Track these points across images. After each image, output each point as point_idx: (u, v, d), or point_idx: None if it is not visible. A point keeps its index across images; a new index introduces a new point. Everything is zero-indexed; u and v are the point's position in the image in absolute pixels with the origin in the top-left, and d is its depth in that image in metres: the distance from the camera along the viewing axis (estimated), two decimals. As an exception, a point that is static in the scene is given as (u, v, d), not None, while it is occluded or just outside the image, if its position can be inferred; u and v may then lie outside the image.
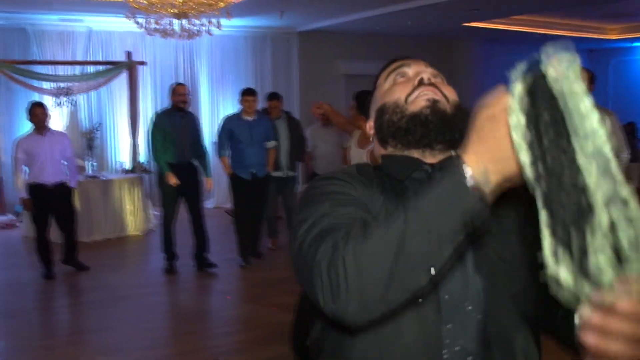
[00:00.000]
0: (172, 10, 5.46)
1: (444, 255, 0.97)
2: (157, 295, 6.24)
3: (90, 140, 8.66)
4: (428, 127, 1.30)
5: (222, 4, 5.40)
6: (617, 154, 0.77)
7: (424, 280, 0.98)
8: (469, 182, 0.93)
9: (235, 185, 6.93)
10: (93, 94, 10.59)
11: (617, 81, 16.46)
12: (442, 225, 0.95)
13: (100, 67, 10.35)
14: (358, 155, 4.81)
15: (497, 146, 0.92)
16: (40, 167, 6.42)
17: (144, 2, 5.32)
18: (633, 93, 15.88)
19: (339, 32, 12.42)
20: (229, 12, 5.66)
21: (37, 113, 6.44)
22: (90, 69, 10.37)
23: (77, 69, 10.33)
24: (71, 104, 10.04)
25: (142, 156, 10.39)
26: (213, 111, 11.54)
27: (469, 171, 0.93)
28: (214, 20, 5.79)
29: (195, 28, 5.72)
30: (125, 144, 10.62)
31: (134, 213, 8.89)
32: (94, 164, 8.89)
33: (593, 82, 5.37)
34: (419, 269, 0.97)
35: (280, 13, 9.55)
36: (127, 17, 5.65)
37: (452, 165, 0.95)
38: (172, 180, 6.43)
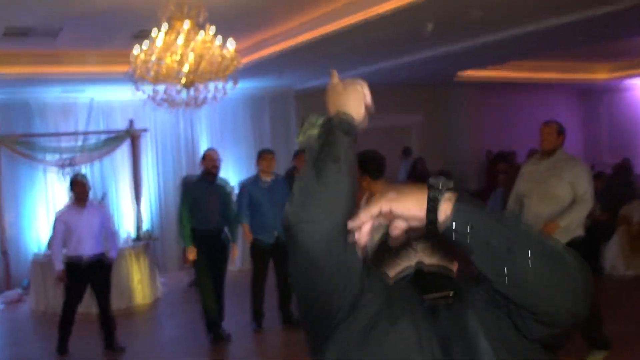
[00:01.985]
0: (179, 81, 5.55)
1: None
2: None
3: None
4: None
5: (228, 71, 5.49)
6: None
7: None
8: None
9: (256, 251, 6.86)
10: (96, 163, 10.66)
11: (609, 119, 16.64)
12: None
13: (102, 137, 10.46)
14: None
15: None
16: (79, 240, 6.42)
17: (152, 73, 5.40)
18: (625, 130, 16.04)
19: (336, 89, 12.53)
20: (235, 79, 5.75)
21: (79, 186, 6.53)
22: (93, 139, 10.45)
23: (80, 140, 10.41)
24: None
25: (147, 223, 10.40)
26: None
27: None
28: (219, 87, 5.88)
29: (202, 96, 5.81)
30: (129, 212, 10.64)
31: (142, 282, 8.84)
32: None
33: (562, 133, 5.47)
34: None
35: (279, 74, 9.70)
36: (135, 89, 5.73)
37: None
38: (191, 255, 6.43)
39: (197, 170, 11.27)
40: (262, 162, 6.84)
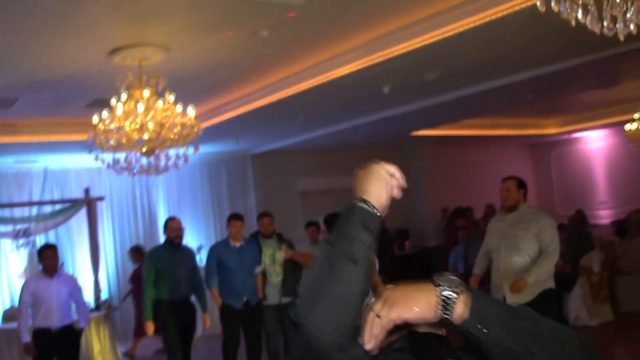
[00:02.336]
0: (140, 149, 5.52)
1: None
2: None
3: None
4: None
5: (189, 138, 5.49)
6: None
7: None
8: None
9: (226, 315, 6.66)
10: (51, 233, 10.43)
11: (559, 172, 17.01)
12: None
13: (58, 206, 10.27)
14: None
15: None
16: (47, 311, 6.26)
17: (112, 142, 5.37)
18: (575, 182, 16.41)
19: (293, 151, 12.66)
20: (196, 145, 5.76)
21: (49, 256, 6.40)
22: (48, 208, 10.26)
23: (34, 209, 10.20)
24: (30, 245, 9.85)
25: (105, 292, 10.17)
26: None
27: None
28: (180, 153, 5.86)
29: (162, 163, 5.78)
30: (88, 281, 10.38)
31: (102, 352, 8.58)
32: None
33: (523, 187, 5.60)
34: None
35: (236, 139, 9.74)
36: (95, 158, 5.68)
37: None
38: (149, 330, 6.32)
39: (155, 237, 11.28)
40: (231, 229, 6.75)
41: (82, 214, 10.36)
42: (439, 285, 1.35)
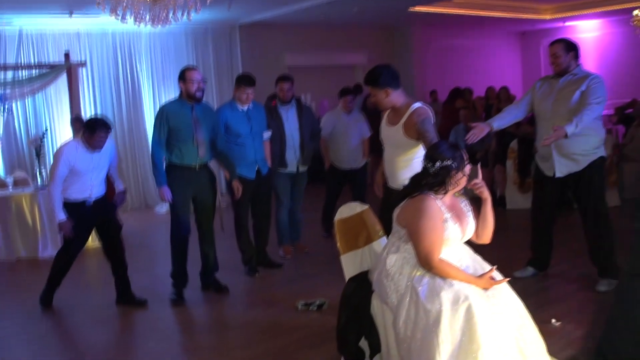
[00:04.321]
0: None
1: None
2: (158, 310, 5.42)
3: (38, 148, 7.95)
4: None
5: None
6: None
7: None
8: None
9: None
10: (28, 100, 9.82)
11: (548, 62, 16.61)
12: None
13: (34, 71, 9.60)
14: (390, 134, 4.44)
15: None
16: (85, 185, 5.37)
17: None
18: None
19: (283, 24, 12.06)
20: (198, 5, 5.20)
21: (100, 137, 5.28)
22: (24, 73, 9.58)
23: (10, 74, 9.51)
24: (6, 111, 9.24)
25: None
26: (156, 110, 10.94)
27: None
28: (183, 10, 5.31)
29: (164, 14, 5.22)
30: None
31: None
32: (44, 172, 8.14)
33: (572, 49, 5.12)
34: None
35: (228, 4, 9.03)
36: (101, 9, 5.09)
37: None
38: (163, 196, 5.49)
39: (139, 107, 10.75)
40: (241, 95, 6.05)
41: (61, 80, 9.73)
42: None
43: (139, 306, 5.49)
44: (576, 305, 4.88)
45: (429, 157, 3.33)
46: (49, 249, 7.62)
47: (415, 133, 4.21)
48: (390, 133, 4.41)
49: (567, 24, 15.61)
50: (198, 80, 5.45)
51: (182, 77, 5.48)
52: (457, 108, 10.32)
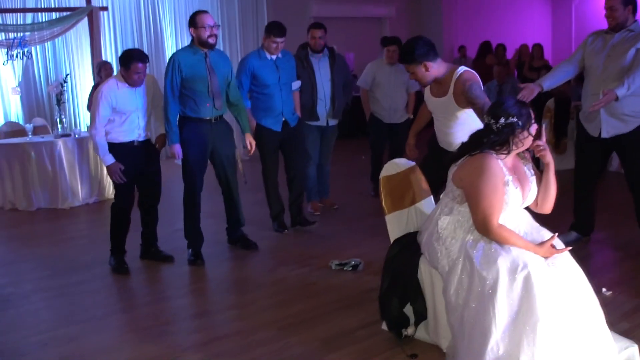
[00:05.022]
0: None
1: None
2: (183, 266, 5.17)
3: (59, 94, 7.70)
4: None
5: None
6: None
7: None
8: None
9: (263, 140, 5.79)
10: (48, 45, 9.55)
11: (579, 24, 16.20)
12: None
13: (54, 15, 9.31)
14: (439, 105, 4.17)
15: None
16: (132, 120, 4.99)
17: None
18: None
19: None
20: None
21: (137, 70, 4.81)
22: (44, 17, 9.30)
23: (29, 17, 9.23)
24: (25, 56, 8.97)
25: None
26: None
27: None
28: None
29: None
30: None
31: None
32: (65, 120, 7.91)
33: (631, 3, 4.74)
34: None
35: None
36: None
37: None
38: (175, 154, 5.15)
39: (162, 57, 10.46)
40: (271, 44, 5.67)
41: (81, 25, 9.44)
42: None
43: (165, 261, 5.28)
44: (625, 273, 4.64)
45: (492, 113, 3.05)
46: (70, 199, 7.45)
47: (465, 101, 3.95)
48: (439, 105, 4.15)
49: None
50: (210, 25, 4.99)
51: (193, 22, 5.03)
52: (488, 64, 9.98)
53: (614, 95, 4.50)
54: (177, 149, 5.10)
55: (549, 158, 3.16)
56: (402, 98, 7.11)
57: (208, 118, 5.16)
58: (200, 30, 4.98)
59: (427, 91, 4.24)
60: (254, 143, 5.51)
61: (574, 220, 5.29)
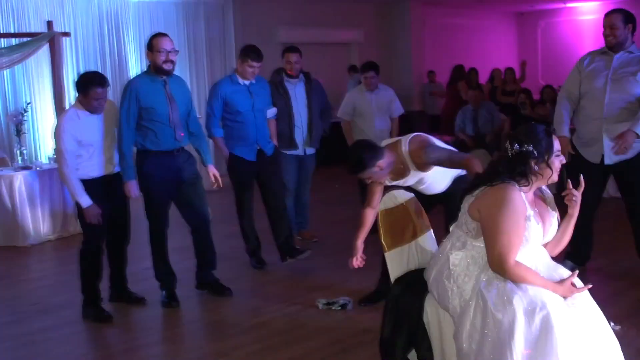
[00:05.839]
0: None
1: None
2: (156, 309, 4.82)
3: (19, 124, 7.30)
4: None
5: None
6: None
7: None
8: None
9: (236, 169, 5.53)
10: (6, 73, 9.15)
11: (545, 44, 16.36)
12: None
13: (14, 41, 8.92)
14: (410, 181, 4.03)
15: None
16: (100, 154, 4.58)
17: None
18: (562, 55, 15.79)
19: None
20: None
21: (97, 96, 4.40)
22: (3, 43, 8.91)
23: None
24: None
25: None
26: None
27: None
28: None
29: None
30: (50, 129, 9.25)
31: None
32: (25, 151, 7.50)
33: (631, 22, 4.62)
34: None
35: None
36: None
37: None
38: (129, 192, 4.70)
39: (125, 83, 10.06)
40: (247, 68, 5.39)
41: (42, 52, 9.06)
42: None
43: (136, 304, 4.89)
44: (631, 305, 4.44)
45: (512, 136, 2.80)
46: (31, 236, 7.01)
47: (431, 165, 3.85)
48: (408, 181, 3.99)
49: (568, 5, 15.22)
50: (167, 50, 4.61)
51: (150, 45, 4.66)
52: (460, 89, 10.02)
53: (633, 135, 4.42)
54: (133, 186, 4.69)
55: (575, 211, 2.96)
56: (386, 124, 6.80)
57: (170, 150, 4.76)
58: (156, 55, 4.61)
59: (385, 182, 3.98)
60: (217, 174, 5.09)
61: (569, 248, 5.07)
